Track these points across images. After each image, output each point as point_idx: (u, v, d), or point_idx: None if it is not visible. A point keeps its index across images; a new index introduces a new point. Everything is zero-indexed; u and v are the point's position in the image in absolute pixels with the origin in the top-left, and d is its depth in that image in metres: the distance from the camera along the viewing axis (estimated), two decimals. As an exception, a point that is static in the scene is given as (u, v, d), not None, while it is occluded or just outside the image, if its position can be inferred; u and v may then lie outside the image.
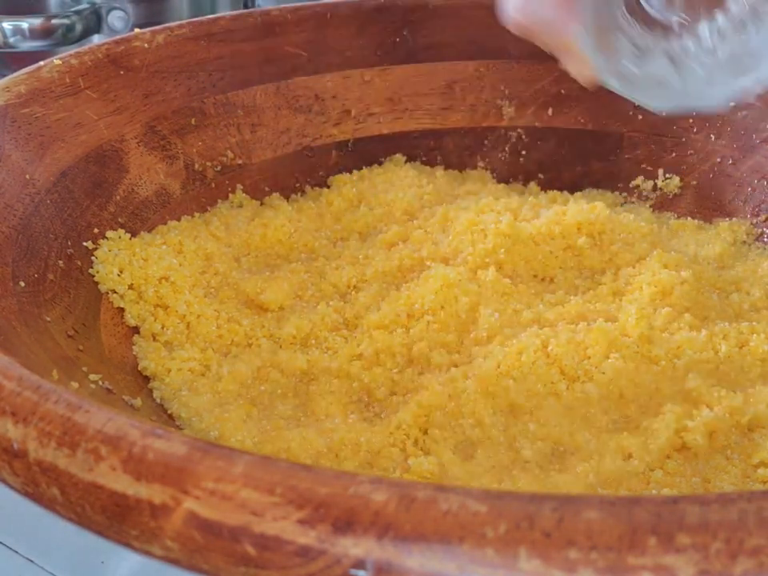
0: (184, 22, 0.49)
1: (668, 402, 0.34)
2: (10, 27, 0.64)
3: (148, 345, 0.38)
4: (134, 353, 0.37)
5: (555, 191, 0.53)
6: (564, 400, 0.34)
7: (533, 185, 0.54)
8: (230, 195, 0.49)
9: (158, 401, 0.36)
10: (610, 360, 0.35)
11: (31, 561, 0.37)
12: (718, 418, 0.33)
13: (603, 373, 0.35)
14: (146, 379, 0.37)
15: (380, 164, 0.55)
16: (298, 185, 0.52)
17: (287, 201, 0.51)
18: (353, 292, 0.42)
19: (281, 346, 0.39)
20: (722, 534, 0.16)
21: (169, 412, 0.35)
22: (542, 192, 0.54)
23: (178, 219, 0.45)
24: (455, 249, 0.43)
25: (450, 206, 0.47)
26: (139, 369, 0.37)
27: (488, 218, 0.44)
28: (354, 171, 0.52)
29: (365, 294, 0.41)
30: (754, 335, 0.38)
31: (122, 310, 0.38)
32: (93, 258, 0.38)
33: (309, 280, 0.43)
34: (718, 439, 0.33)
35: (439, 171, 0.54)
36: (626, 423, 0.34)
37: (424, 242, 0.44)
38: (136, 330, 0.39)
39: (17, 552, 0.37)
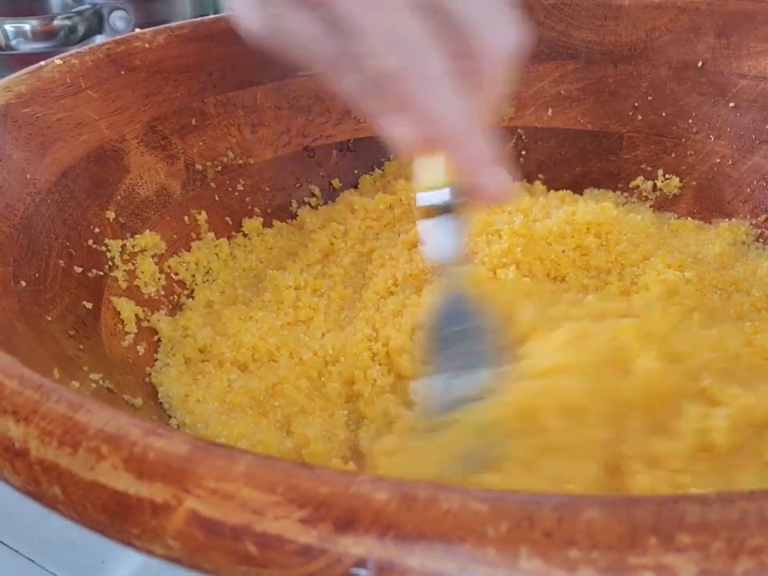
0: (185, 22, 0.49)
1: (688, 402, 0.34)
2: (12, 29, 0.63)
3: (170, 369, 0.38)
4: (139, 354, 0.38)
5: (564, 191, 0.53)
6: (604, 407, 0.34)
7: (538, 184, 0.55)
8: (231, 195, 0.49)
9: (165, 406, 0.36)
10: (641, 360, 0.35)
11: (32, 561, 0.37)
12: (734, 417, 0.33)
13: (635, 375, 0.35)
14: (147, 377, 0.37)
15: (380, 165, 0.55)
16: (298, 185, 0.52)
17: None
18: (381, 300, 0.42)
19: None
20: (722, 533, 0.16)
21: (172, 419, 0.35)
22: (549, 191, 0.54)
23: (179, 219, 0.45)
24: (472, 250, 0.43)
25: None
26: (146, 381, 0.37)
27: (501, 219, 0.44)
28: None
29: (393, 301, 0.41)
30: (758, 335, 0.38)
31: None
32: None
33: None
34: (734, 438, 0.32)
35: None
36: (656, 427, 0.34)
37: None
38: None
39: (18, 552, 0.37)
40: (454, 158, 0.33)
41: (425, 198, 0.36)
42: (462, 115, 0.32)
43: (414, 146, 0.34)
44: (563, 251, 0.43)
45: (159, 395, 0.36)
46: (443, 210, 0.36)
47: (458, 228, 0.36)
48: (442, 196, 0.36)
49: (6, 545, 0.37)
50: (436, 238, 0.36)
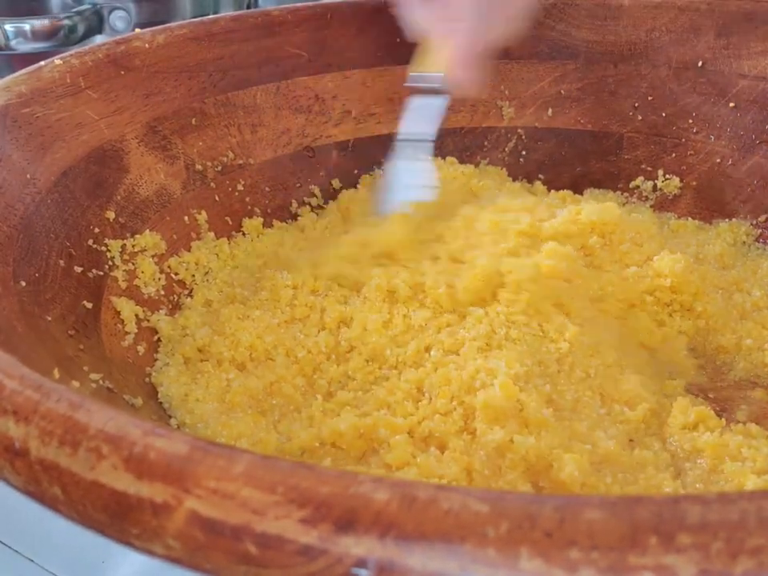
0: (184, 22, 0.49)
1: None
2: (12, 29, 0.63)
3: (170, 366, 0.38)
4: (139, 353, 0.38)
5: (564, 191, 0.53)
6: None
7: (538, 184, 0.55)
8: (231, 195, 0.49)
9: (165, 406, 0.36)
10: None
11: (32, 560, 0.37)
12: None
13: None
14: (147, 377, 0.37)
15: (380, 165, 0.55)
16: (298, 185, 0.52)
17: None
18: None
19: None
20: (722, 533, 0.16)
21: (172, 419, 0.35)
22: (550, 191, 0.54)
23: (179, 219, 0.45)
24: (479, 248, 0.43)
25: (469, 205, 0.47)
26: (146, 381, 0.37)
27: (508, 218, 0.44)
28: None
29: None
30: (765, 332, 0.39)
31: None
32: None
33: None
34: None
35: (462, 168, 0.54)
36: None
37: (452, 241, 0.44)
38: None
39: (17, 552, 0.37)
40: (451, 43, 0.45)
41: (417, 79, 0.46)
42: (473, 14, 0.44)
43: (426, 29, 0.47)
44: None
45: (159, 395, 0.36)
46: (430, 91, 0.46)
47: (438, 111, 0.46)
48: (433, 79, 0.46)
49: (6, 545, 0.37)
50: (418, 115, 0.46)
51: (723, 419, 0.35)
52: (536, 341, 0.37)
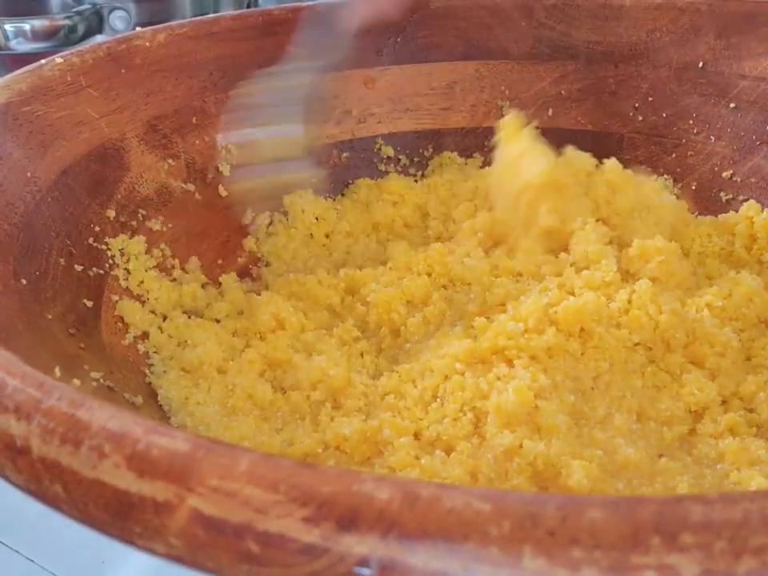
0: (185, 21, 0.49)
1: None
2: (12, 29, 0.63)
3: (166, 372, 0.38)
4: (140, 352, 0.37)
5: None
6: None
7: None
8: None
9: (165, 408, 0.35)
10: None
11: (32, 561, 0.37)
12: None
13: None
14: (148, 376, 0.37)
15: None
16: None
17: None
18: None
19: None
20: (725, 533, 0.16)
21: (172, 418, 0.35)
22: None
23: (179, 218, 0.45)
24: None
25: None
26: (147, 380, 0.37)
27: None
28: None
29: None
30: None
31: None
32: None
33: None
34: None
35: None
36: None
37: None
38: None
39: (17, 552, 0.37)
40: None
41: None
42: None
43: None
44: None
45: (159, 398, 0.36)
46: None
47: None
48: None
49: (5, 545, 0.37)
50: None
51: (754, 427, 0.35)
52: (571, 358, 0.36)
